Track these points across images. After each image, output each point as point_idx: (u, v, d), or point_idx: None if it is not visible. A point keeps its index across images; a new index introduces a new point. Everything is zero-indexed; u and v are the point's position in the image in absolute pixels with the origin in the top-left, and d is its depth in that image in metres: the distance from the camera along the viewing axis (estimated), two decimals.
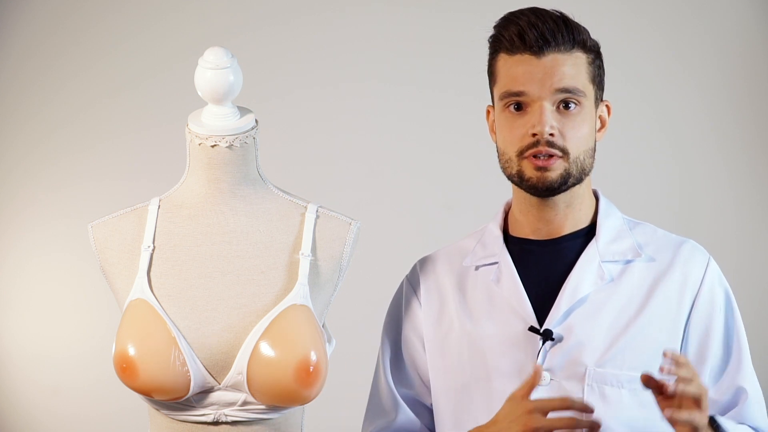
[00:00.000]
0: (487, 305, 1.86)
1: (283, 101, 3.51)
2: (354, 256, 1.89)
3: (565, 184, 1.81)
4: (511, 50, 1.81)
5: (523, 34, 1.80)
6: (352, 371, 3.33)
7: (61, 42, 3.55)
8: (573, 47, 1.81)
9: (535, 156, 1.79)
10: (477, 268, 1.90)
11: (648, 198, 3.41)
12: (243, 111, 1.87)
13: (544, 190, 1.81)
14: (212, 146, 1.83)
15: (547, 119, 1.78)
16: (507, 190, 2.01)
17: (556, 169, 1.79)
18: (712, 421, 1.70)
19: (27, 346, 3.56)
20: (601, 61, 1.86)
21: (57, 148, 3.55)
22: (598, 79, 1.84)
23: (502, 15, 1.87)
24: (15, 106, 3.56)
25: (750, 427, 1.79)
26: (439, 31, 3.45)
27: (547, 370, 1.79)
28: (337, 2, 3.49)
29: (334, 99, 3.49)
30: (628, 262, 1.84)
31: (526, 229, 1.88)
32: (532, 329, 1.80)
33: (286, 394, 1.75)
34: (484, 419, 1.76)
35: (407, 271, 1.99)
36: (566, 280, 1.82)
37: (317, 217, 1.87)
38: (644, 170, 3.45)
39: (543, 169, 1.79)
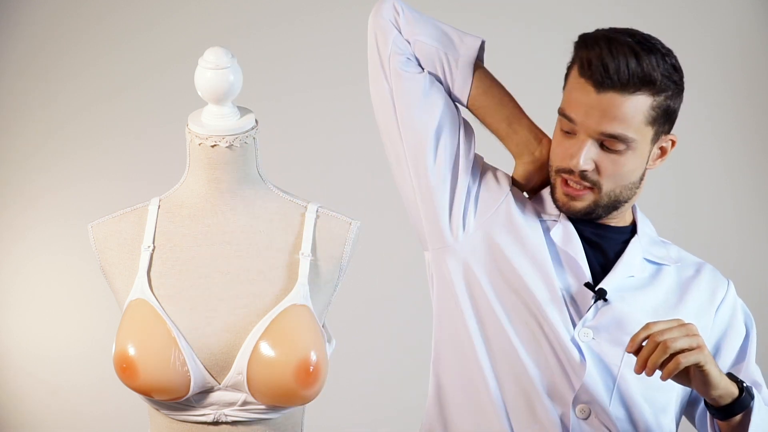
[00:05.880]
0: (547, 253, 1.88)
1: (283, 101, 3.51)
2: (354, 256, 1.89)
3: (590, 214, 1.84)
4: (581, 71, 1.80)
5: (591, 65, 1.77)
6: (352, 371, 3.33)
7: (61, 43, 3.55)
8: (638, 89, 1.76)
9: (566, 183, 1.83)
10: (542, 219, 1.92)
11: (647, 197, 3.41)
12: (243, 111, 1.87)
13: (567, 214, 1.86)
14: (212, 146, 1.83)
15: (583, 157, 1.79)
16: None
17: (584, 200, 1.83)
18: (732, 377, 1.75)
19: (27, 346, 3.56)
20: (676, 93, 1.80)
21: (57, 149, 3.55)
22: (662, 119, 1.80)
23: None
24: (16, 107, 3.56)
25: None
26: None
27: (591, 327, 1.82)
28: (337, 3, 3.49)
29: (334, 99, 3.49)
30: (662, 265, 1.90)
31: None
32: (588, 285, 1.83)
33: (286, 394, 1.75)
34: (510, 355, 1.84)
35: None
36: (621, 257, 1.87)
37: (317, 217, 1.87)
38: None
39: (570, 197, 1.83)
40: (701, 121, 3.47)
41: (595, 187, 1.81)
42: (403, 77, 1.91)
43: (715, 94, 3.47)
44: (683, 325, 1.67)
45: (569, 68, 1.84)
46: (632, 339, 1.67)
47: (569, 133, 1.81)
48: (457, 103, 1.96)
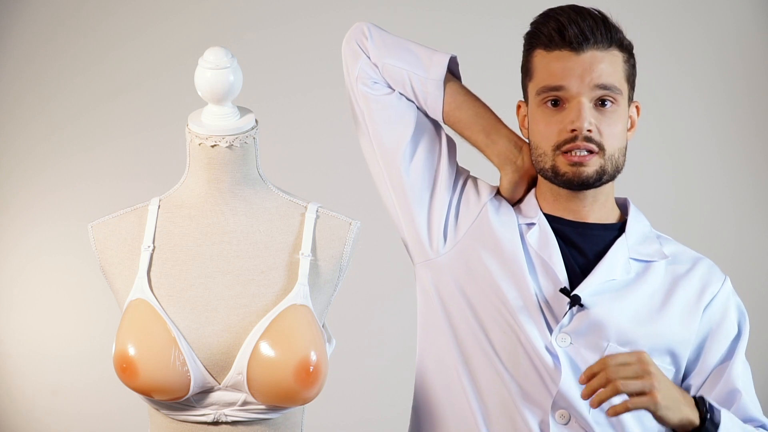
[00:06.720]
0: (523, 260, 1.87)
1: (283, 101, 3.51)
2: (354, 256, 1.89)
3: (599, 180, 1.84)
4: (549, 46, 1.83)
5: (563, 30, 1.81)
6: (352, 371, 3.33)
7: (60, 44, 3.55)
8: (611, 45, 1.82)
9: (570, 152, 1.82)
10: (519, 223, 1.92)
11: (646, 195, 3.41)
12: (243, 111, 1.87)
13: (578, 185, 1.84)
14: (212, 146, 1.83)
15: (586, 115, 1.80)
16: None
17: (592, 165, 1.82)
18: (702, 401, 1.73)
19: (27, 346, 3.56)
20: (635, 60, 1.87)
21: (57, 149, 3.55)
22: (631, 78, 1.86)
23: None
24: (15, 108, 3.56)
25: (759, 425, 1.83)
26: (439, 32, 3.45)
27: (569, 333, 1.82)
28: (337, 3, 3.49)
29: (335, 99, 3.47)
30: (651, 262, 1.89)
31: (556, 207, 1.90)
32: (563, 290, 1.83)
33: (286, 394, 1.75)
34: (487, 358, 1.84)
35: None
36: (601, 260, 1.85)
37: (317, 217, 1.87)
38: (642, 169, 3.45)
39: (579, 164, 1.82)
40: (700, 121, 3.47)
41: (600, 149, 1.81)
42: (370, 99, 1.93)
43: (714, 94, 3.47)
44: (641, 362, 1.66)
45: (528, 57, 1.87)
46: (586, 371, 1.66)
47: (558, 107, 1.82)
48: (436, 121, 1.97)
